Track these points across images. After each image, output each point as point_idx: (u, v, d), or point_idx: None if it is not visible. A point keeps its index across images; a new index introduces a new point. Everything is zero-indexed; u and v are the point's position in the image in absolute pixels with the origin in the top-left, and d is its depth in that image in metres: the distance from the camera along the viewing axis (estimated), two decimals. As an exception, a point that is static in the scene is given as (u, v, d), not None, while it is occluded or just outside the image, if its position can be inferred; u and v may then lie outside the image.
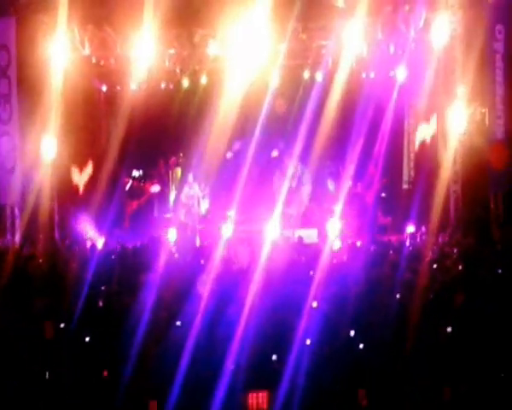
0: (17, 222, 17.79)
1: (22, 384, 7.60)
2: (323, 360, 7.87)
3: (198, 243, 17.72)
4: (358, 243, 15.97)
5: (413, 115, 20.64)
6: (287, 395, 7.16)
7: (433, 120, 18.58)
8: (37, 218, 17.70)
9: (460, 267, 12.25)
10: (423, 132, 19.58)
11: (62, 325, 9.31)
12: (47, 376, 7.83)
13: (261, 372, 7.77)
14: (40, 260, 14.02)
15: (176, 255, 14.34)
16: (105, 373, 7.99)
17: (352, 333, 8.59)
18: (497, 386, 7.13)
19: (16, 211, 17.87)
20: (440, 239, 15.53)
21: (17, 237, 17.61)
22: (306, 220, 19.82)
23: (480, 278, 10.94)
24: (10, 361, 7.95)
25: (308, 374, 7.48)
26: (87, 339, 8.82)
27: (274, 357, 8.02)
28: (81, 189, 19.89)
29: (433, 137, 18.36)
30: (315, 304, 9.49)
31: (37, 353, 8.22)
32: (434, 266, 12.58)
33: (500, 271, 11.28)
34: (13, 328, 8.73)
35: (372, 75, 20.65)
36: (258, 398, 7.22)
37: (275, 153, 21.22)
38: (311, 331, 8.47)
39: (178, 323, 9.17)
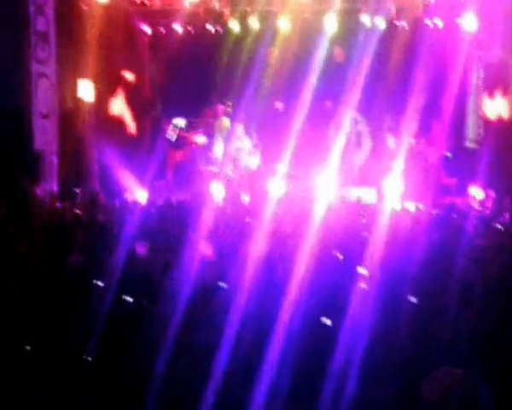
0: (54, 171, 17.75)
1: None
2: (383, 332, 7.70)
3: (246, 200, 17.55)
4: (420, 206, 15.71)
5: (482, 68, 20.10)
6: (342, 369, 6.98)
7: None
8: (76, 167, 17.68)
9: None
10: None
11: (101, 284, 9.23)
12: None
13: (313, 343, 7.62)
14: (78, 212, 14.01)
15: (223, 211, 14.21)
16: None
17: (414, 300, 8.41)
18: None
19: (53, 158, 17.82)
20: (510, 204, 15.20)
21: (54, 187, 17.60)
22: (364, 178, 19.53)
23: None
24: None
25: (366, 346, 7.31)
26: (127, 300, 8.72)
27: (327, 321, 7.87)
28: (122, 137, 19.75)
29: (506, 92, 17.88)
30: (364, 271, 9.31)
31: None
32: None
33: None
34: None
35: (439, 23, 20.09)
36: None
37: (329, 104, 20.85)
38: (370, 298, 8.31)
39: (224, 285, 9.05)
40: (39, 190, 17.01)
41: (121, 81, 20.24)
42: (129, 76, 20.97)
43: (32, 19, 17.55)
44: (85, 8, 18.17)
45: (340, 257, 10.12)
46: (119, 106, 19.73)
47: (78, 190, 17.08)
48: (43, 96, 17.74)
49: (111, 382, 7.13)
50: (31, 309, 8.11)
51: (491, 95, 19.13)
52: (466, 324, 7.70)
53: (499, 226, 12.91)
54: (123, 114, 19.81)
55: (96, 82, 18.43)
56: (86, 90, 18.28)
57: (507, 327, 7.54)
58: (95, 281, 9.07)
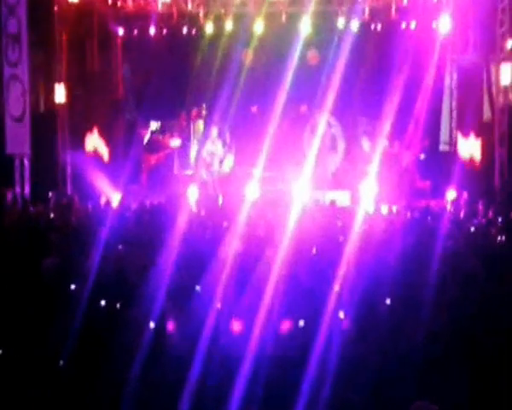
0: (26, 174, 17.73)
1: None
2: (357, 333, 7.80)
3: (220, 203, 17.59)
4: (394, 209, 15.82)
5: (456, 70, 20.30)
6: (318, 371, 7.06)
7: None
8: (49, 170, 17.64)
9: (503, 238, 12.15)
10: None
11: (73, 287, 9.24)
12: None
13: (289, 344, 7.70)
14: (52, 216, 14.00)
15: (197, 215, 14.26)
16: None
17: (388, 302, 8.52)
18: None
19: (26, 162, 17.80)
20: (483, 206, 15.35)
21: (26, 190, 17.58)
22: (339, 182, 19.65)
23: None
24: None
25: (341, 347, 7.40)
26: (102, 303, 8.76)
27: (301, 323, 7.97)
28: (95, 140, 19.75)
29: (479, 96, 18.07)
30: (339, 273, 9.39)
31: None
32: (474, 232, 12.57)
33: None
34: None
35: (413, 26, 20.27)
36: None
37: (303, 108, 20.95)
38: (345, 302, 8.38)
39: (198, 288, 9.10)
40: (12, 194, 17.00)
41: (94, 83, 20.23)
42: (102, 78, 20.97)
43: (3, 20, 17.53)
44: (58, 9, 18.16)
45: (315, 259, 10.20)
46: (92, 108, 19.72)
47: (51, 194, 17.07)
48: (14, 99, 17.69)
49: (85, 385, 7.17)
50: (4, 312, 8.13)
51: (464, 97, 19.32)
52: (438, 324, 7.84)
53: (472, 228, 13.08)
54: (96, 116, 19.81)
55: (68, 84, 18.41)
56: (59, 93, 18.27)
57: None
58: (69, 284, 9.10)
